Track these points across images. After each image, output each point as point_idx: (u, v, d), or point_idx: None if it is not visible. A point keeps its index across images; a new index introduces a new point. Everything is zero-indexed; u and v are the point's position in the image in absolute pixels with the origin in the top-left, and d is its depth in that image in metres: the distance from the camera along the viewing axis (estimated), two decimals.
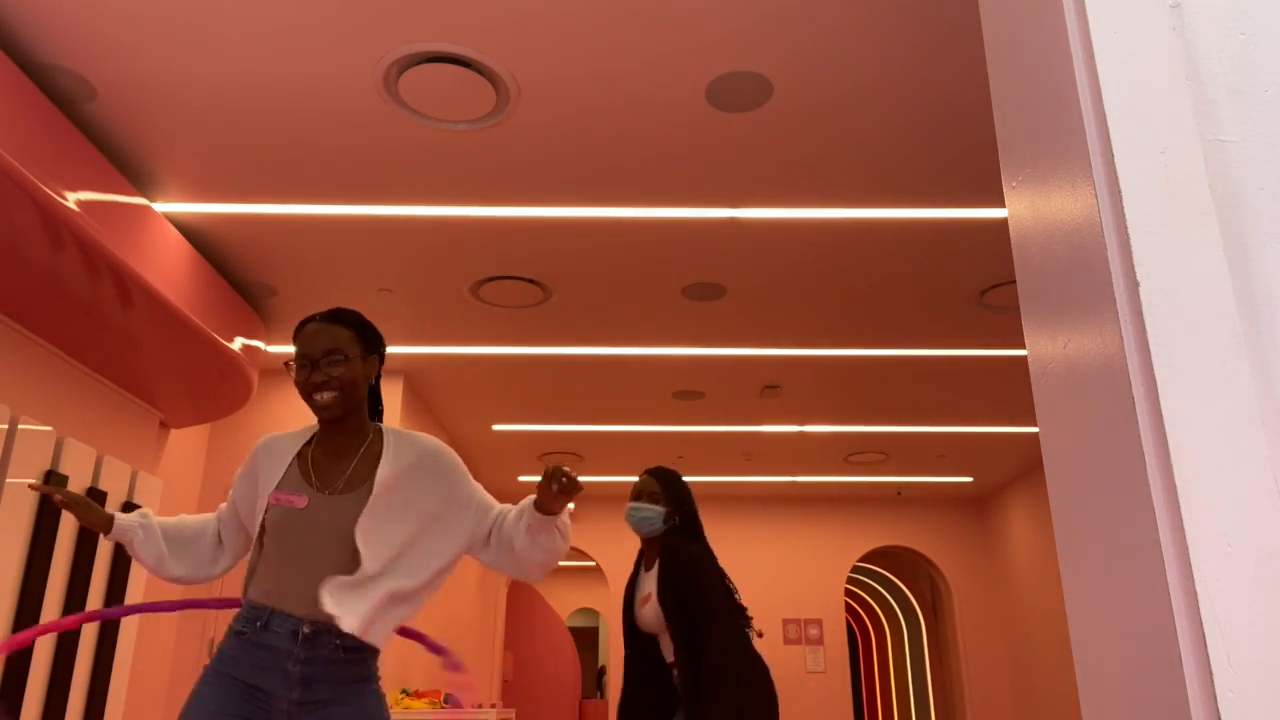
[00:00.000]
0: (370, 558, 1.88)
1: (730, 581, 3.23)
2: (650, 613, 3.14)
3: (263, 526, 1.96)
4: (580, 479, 1.89)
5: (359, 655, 1.90)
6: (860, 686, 13.05)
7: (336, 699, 1.86)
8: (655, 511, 3.15)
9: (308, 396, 1.97)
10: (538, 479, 1.95)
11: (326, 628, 1.85)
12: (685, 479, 3.32)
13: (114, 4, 2.86)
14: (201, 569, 2.09)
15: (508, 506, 2.08)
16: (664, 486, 3.21)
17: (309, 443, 2.05)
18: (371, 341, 2.08)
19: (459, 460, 2.08)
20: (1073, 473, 1.38)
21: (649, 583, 3.18)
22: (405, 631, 2.15)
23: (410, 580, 1.94)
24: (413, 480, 1.99)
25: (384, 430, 2.07)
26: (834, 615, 9.19)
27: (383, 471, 1.96)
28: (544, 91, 3.26)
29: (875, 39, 3.02)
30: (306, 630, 1.85)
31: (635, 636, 3.22)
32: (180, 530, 2.07)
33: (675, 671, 3.10)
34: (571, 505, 1.96)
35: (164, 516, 2.12)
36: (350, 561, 1.89)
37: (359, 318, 2.08)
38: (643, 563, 3.29)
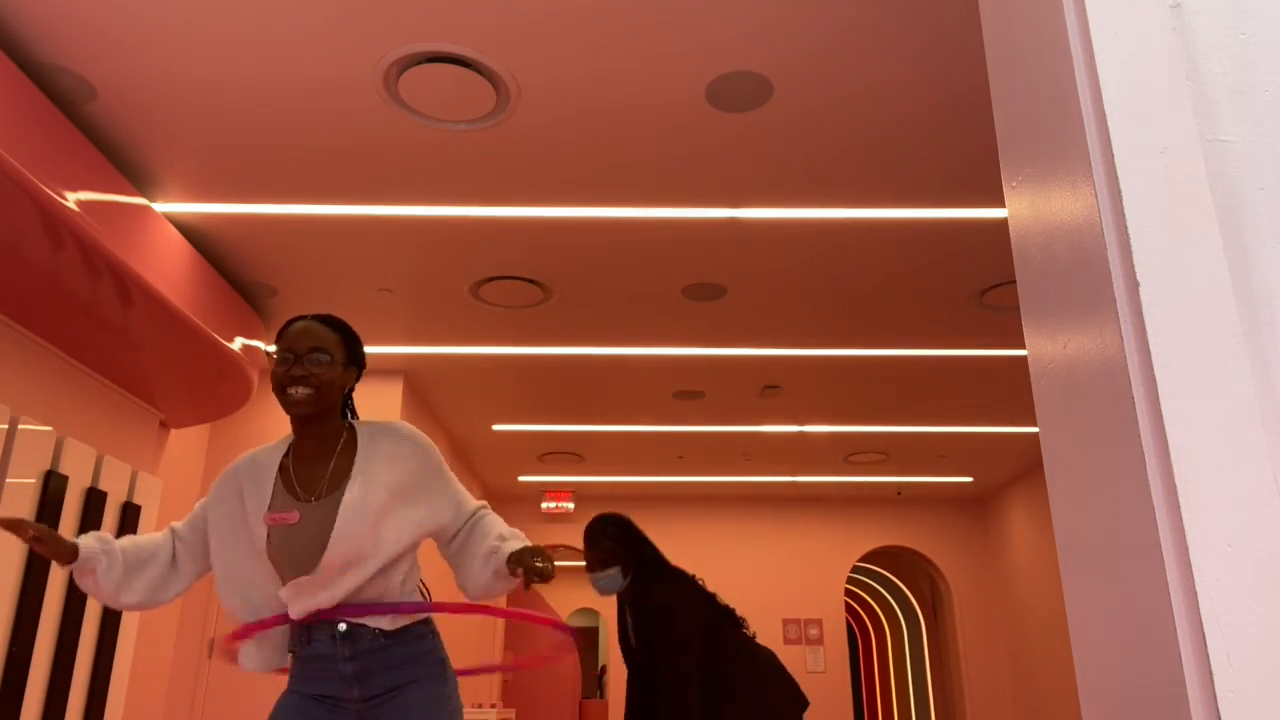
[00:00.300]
0: (345, 522, 1.88)
1: (710, 595, 3.19)
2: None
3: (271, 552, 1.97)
4: (553, 567, 1.88)
5: (402, 639, 1.93)
6: (860, 686, 13.05)
7: (393, 688, 1.89)
8: (612, 574, 3.17)
9: (281, 390, 1.94)
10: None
11: (359, 622, 1.90)
12: (618, 517, 3.29)
13: (114, 4, 2.85)
14: (153, 594, 1.99)
15: (482, 511, 2.08)
16: (601, 551, 3.20)
17: (286, 454, 2.03)
18: (355, 352, 2.08)
19: (432, 446, 2.08)
20: (1073, 473, 1.37)
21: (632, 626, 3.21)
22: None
23: (389, 547, 1.93)
24: (387, 461, 1.99)
25: (355, 426, 2.06)
26: (834, 615, 9.19)
27: (359, 462, 1.97)
28: (544, 92, 3.26)
29: (875, 39, 3.02)
30: (342, 629, 1.89)
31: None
32: (137, 553, 1.98)
33: None
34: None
35: (141, 531, 2.07)
36: None
37: (347, 326, 2.09)
38: (624, 608, 3.28)
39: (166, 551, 2.02)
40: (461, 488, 2.10)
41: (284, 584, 1.94)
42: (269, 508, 1.94)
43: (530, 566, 1.85)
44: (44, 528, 1.87)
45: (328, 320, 2.05)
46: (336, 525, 1.87)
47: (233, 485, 2.02)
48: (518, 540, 1.99)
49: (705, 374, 6.00)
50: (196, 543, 2.05)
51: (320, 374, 1.94)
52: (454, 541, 2.04)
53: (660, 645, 2.98)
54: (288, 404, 1.94)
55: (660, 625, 3.01)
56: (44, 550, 1.86)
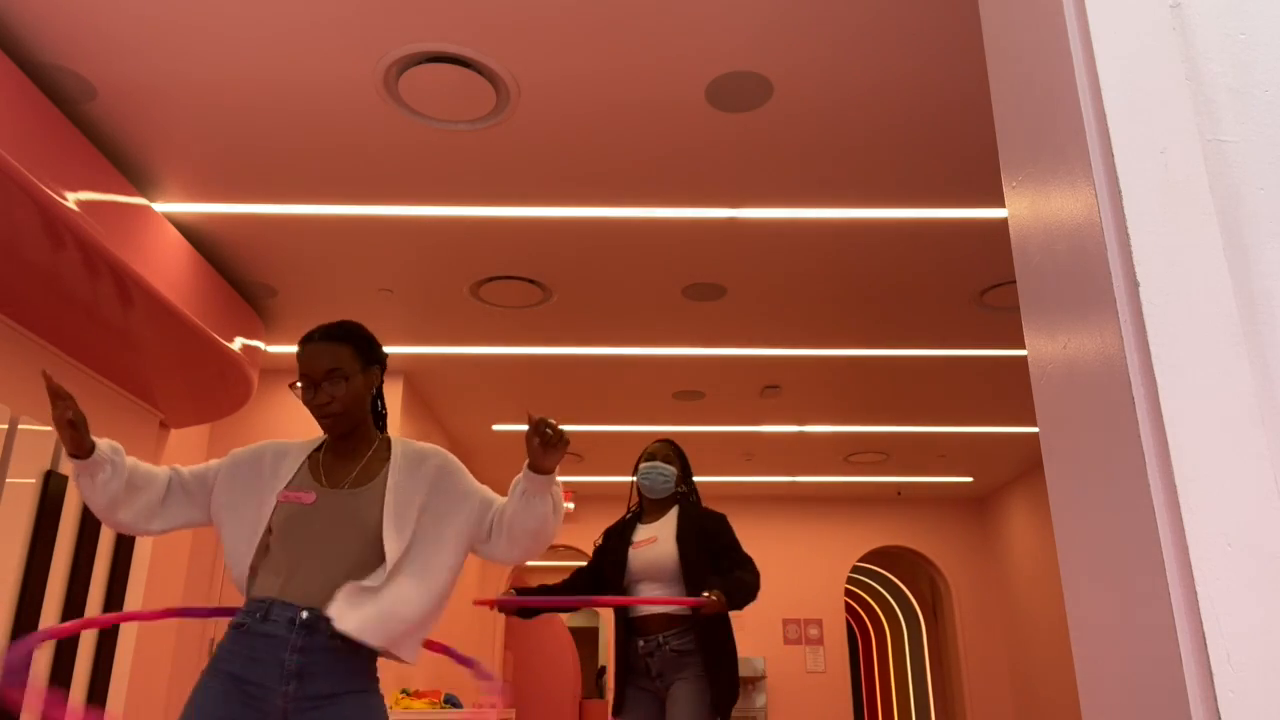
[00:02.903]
0: (392, 550, 1.91)
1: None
2: (652, 554, 3.24)
3: (269, 527, 1.96)
4: (565, 429, 1.93)
5: (357, 652, 1.88)
6: (860, 686, 13.05)
7: (334, 695, 1.84)
8: (673, 473, 3.39)
9: (313, 412, 2.03)
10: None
11: (325, 615, 1.85)
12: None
13: (114, 4, 2.85)
14: (140, 521, 1.99)
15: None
16: (676, 459, 3.45)
17: (319, 449, 2.10)
18: (371, 353, 2.11)
19: (461, 464, 2.14)
20: (1073, 473, 1.38)
21: (652, 530, 3.32)
22: (434, 645, 2.18)
23: (422, 583, 1.94)
24: (421, 479, 2.03)
25: (391, 439, 2.13)
26: (834, 615, 9.19)
27: (394, 467, 2.02)
28: (544, 92, 3.26)
29: (875, 39, 3.02)
30: (304, 616, 1.84)
31: (604, 586, 3.34)
32: (134, 475, 1.98)
33: (638, 625, 3.20)
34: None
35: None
36: (360, 551, 1.91)
37: (358, 331, 2.10)
38: (639, 519, 3.43)
39: (161, 485, 2.03)
40: (489, 491, 2.12)
41: (276, 569, 1.92)
42: (286, 486, 1.98)
43: (540, 429, 1.90)
44: (82, 415, 1.87)
45: (337, 334, 2.05)
46: (386, 507, 1.93)
47: (255, 459, 2.07)
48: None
49: (705, 374, 6.00)
50: (198, 492, 2.06)
51: (343, 395, 2.01)
52: (490, 533, 2.06)
53: (728, 540, 3.34)
54: (323, 425, 2.04)
55: (724, 526, 3.39)
56: (69, 435, 1.86)
